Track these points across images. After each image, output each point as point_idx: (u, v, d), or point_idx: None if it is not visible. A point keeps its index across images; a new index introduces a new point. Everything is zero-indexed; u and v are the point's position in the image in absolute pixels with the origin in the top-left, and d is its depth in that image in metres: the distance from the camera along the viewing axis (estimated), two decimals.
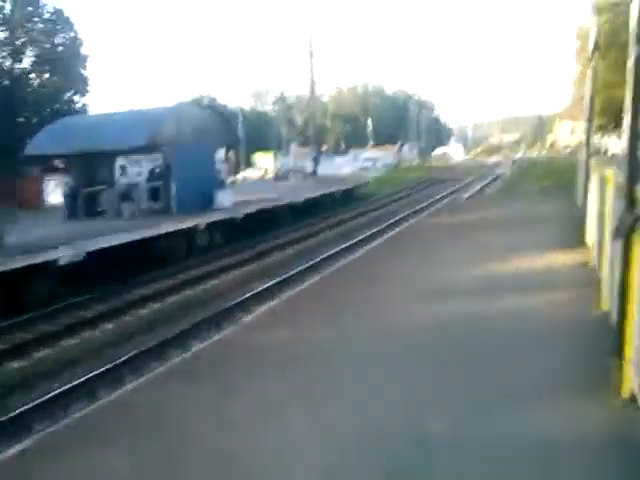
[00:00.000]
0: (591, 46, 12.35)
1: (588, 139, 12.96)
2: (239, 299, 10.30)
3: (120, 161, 17.63)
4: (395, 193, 31.51)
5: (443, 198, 26.13)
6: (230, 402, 4.49)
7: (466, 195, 25.32)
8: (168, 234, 14.37)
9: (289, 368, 5.04)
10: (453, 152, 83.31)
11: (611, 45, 20.55)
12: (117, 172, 17.72)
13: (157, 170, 17.83)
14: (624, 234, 3.69)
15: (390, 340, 5.54)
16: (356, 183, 32.06)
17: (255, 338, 6.09)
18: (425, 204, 24.10)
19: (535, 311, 6.12)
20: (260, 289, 10.96)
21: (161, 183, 17.55)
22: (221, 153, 19.85)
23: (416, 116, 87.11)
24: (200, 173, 17.45)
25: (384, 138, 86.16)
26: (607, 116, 27.34)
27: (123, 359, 7.60)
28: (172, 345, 8.19)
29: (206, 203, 17.64)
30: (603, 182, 6.79)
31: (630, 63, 3.96)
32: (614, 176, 5.37)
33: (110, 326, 9.64)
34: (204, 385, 4.87)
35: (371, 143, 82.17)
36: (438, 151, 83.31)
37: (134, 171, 17.66)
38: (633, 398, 3.77)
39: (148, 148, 17.12)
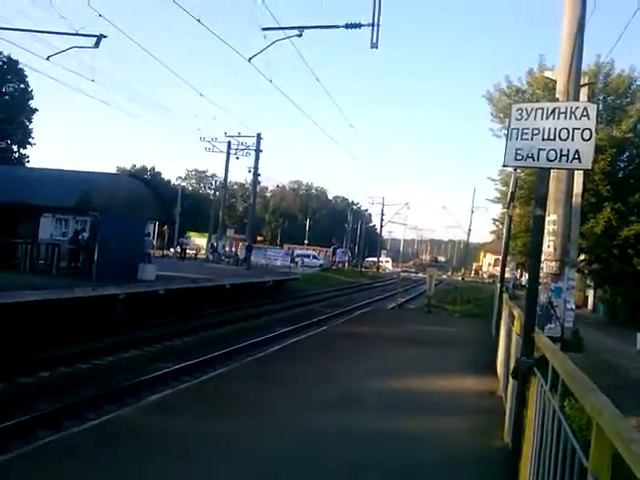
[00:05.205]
0: (509, 197, 13.30)
1: (502, 275, 13.75)
2: None
3: (46, 217, 17.09)
4: (322, 292, 31.82)
5: (367, 305, 26.49)
6: None
7: (390, 306, 25.84)
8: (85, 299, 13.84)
9: None
10: (384, 263, 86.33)
11: (528, 197, 22.27)
12: (41, 228, 17.12)
13: (83, 233, 17.35)
14: (521, 376, 3.82)
15: None
16: (287, 276, 32.35)
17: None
18: (348, 308, 24.30)
19: (438, 436, 6.07)
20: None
21: (84, 246, 17.04)
22: (151, 227, 19.73)
23: (352, 224, 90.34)
24: (126, 243, 17.11)
25: (319, 239, 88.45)
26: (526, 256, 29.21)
27: None
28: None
29: (129, 273, 17.25)
30: (511, 319, 7.10)
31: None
32: (520, 316, 5.61)
33: None
34: None
35: (306, 242, 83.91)
36: (369, 259, 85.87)
37: (59, 230, 17.12)
38: None
39: (77, 210, 16.70)
